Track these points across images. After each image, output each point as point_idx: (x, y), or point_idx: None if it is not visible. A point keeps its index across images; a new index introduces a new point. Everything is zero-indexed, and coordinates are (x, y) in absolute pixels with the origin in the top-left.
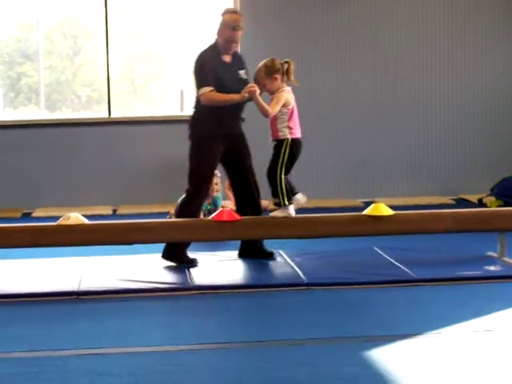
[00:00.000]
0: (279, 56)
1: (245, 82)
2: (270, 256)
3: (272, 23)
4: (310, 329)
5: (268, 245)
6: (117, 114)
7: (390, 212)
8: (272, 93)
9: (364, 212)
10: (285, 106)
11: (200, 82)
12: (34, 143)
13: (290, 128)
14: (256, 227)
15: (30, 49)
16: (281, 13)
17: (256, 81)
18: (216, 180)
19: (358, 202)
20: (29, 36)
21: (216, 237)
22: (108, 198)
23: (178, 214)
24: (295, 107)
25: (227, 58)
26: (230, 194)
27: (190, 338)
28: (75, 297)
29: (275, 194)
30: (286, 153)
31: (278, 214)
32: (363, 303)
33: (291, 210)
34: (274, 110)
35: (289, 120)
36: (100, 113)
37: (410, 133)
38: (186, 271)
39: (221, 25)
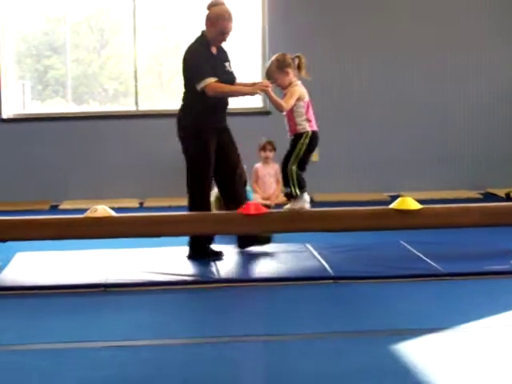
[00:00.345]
0: (303, 51)
1: (230, 74)
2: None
3: (297, 18)
4: (336, 322)
5: (295, 238)
6: (143, 107)
7: (417, 206)
8: (284, 87)
9: (391, 206)
10: (300, 99)
11: (200, 74)
12: (61, 136)
13: (309, 121)
14: (283, 220)
15: (57, 42)
16: (305, 8)
17: (267, 75)
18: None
19: (385, 195)
20: (56, 29)
21: (243, 230)
22: (135, 191)
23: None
24: (310, 102)
25: (214, 51)
26: (257, 188)
27: (216, 330)
28: (103, 289)
29: (287, 183)
30: (305, 145)
31: (291, 206)
32: (390, 297)
33: (305, 199)
34: (288, 104)
35: (306, 113)
36: (127, 106)
37: (437, 126)
38: (213, 264)
39: (212, 17)
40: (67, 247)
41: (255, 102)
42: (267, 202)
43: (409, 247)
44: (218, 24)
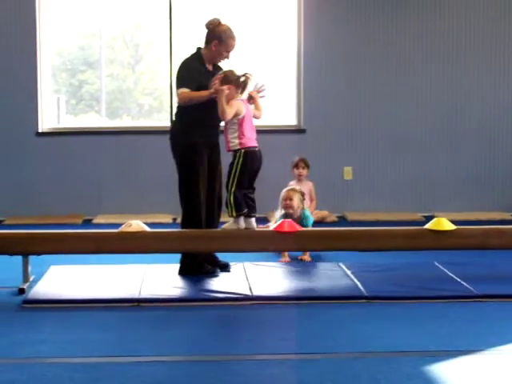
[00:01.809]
0: (337, 54)
1: None
2: (226, 267)
3: (331, 18)
4: (369, 341)
5: (327, 257)
6: None
7: (452, 227)
8: (230, 98)
9: (425, 226)
10: (235, 115)
11: (180, 84)
12: (94, 150)
13: (240, 138)
14: (317, 239)
15: (93, 57)
16: (341, 13)
17: (210, 86)
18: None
19: (419, 216)
20: (91, 44)
21: (277, 247)
22: (168, 207)
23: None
24: (248, 117)
25: (210, 67)
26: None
27: (248, 348)
28: (136, 304)
29: (226, 204)
30: (239, 165)
31: (228, 226)
32: (423, 318)
33: (240, 223)
34: (228, 112)
35: (239, 130)
36: (160, 121)
37: (473, 147)
38: (246, 281)
39: (221, 36)
40: (101, 261)
41: (289, 119)
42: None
43: (442, 268)
44: (227, 43)
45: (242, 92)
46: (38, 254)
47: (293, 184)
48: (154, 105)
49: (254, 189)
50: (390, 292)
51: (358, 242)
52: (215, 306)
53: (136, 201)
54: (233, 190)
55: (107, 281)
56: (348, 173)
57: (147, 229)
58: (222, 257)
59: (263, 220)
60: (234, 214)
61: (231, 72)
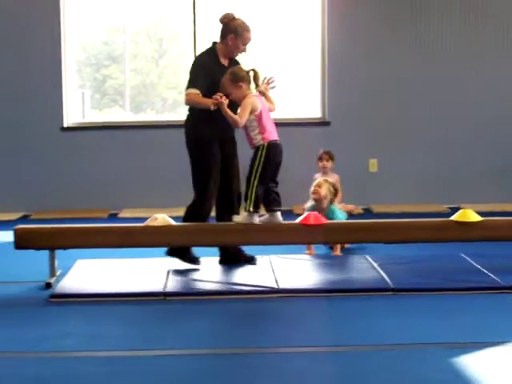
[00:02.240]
0: (362, 50)
1: None
2: (251, 261)
3: (356, 16)
4: (396, 334)
5: (353, 249)
6: None
7: (478, 218)
8: (239, 101)
9: (451, 218)
10: (252, 112)
11: (190, 83)
12: (119, 145)
13: (262, 133)
14: (343, 231)
15: (117, 51)
16: (365, 4)
17: (222, 89)
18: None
19: (445, 207)
20: (115, 39)
21: (303, 240)
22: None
23: (185, 221)
24: (265, 111)
25: (225, 62)
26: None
27: (274, 341)
28: (162, 297)
29: (245, 197)
30: (263, 157)
31: (240, 219)
32: (450, 309)
33: (255, 219)
34: (242, 119)
35: (259, 125)
36: (184, 115)
37: (498, 138)
38: (272, 274)
39: (237, 29)
40: (127, 255)
41: (314, 112)
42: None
43: (469, 259)
44: (243, 36)
45: (257, 85)
46: (65, 248)
47: (318, 177)
48: (178, 99)
49: (277, 183)
50: (416, 284)
51: (384, 234)
52: (241, 299)
53: (161, 195)
54: (255, 183)
55: (133, 275)
56: (373, 165)
57: (173, 222)
58: (247, 250)
59: (288, 213)
60: (251, 208)
61: (239, 68)
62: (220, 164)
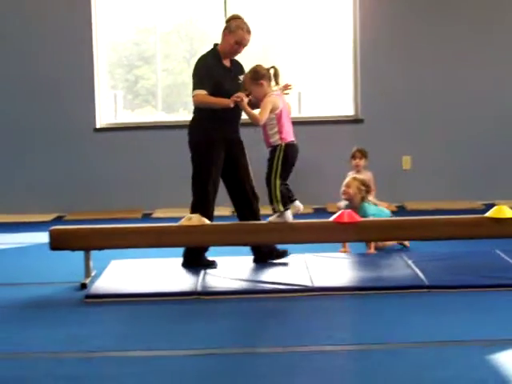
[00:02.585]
0: (395, 47)
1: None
2: (212, 264)
3: (388, 12)
4: (432, 331)
5: (387, 247)
6: None
7: None
8: (260, 99)
9: (486, 214)
10: (272, 110)
11: (195, 84)
12: (151, 145)
13: (281, 133)
14: (377, 229)
15: (148, 52)
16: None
17: (243, 87)
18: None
19: (479, 204)
20: (146, 39)
21: (337, 238)
22: (226, 199)
23: None
24: (285, 110)
25: (228, 63)
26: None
27: (309, 339)
28: (196, 297)
29: (271, 200)
30: (280, 158)
31: (274, 219)
32: (486, 306)
33: (288, 216)
34: (262, 117)
35: (278, 124)
36: None
37: None
38: (307, 272)
39: (232, 28)
40: (161, 255)
41: (346, 110)
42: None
43: (504, 256)
44: (236, 33)
45: (277, 83)
46: (100, 249)
47: (351, 174)
48: None
49: (286, 179)
50: (451, 281)
51: (418, 232)
52: (275, 297)
53: None
54: (277, 183)
55: (167, 274)
56: (407, 162)
57: (207, 222)
58: (281, 248)
59: (321, 211)
60: (281, 208)
61: (259, 66)
62: (222, 165)
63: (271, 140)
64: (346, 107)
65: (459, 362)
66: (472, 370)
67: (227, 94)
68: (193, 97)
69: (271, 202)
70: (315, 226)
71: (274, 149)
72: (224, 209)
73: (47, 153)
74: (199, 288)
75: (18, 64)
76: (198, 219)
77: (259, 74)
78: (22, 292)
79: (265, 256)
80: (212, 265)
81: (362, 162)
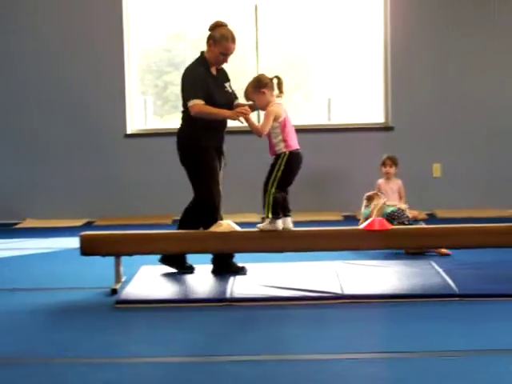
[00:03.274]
0: (424, 53)
1: (230, 95)
2: (241, 270)
3: (420, 19)
4: (463, 340)
5: (418, 255)
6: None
7: None
8: (262, 108)
9: None
10: (275, 119)
11: (190, 94)
12: None
13: (285, 141)
14: (408, 236)
15: (177, 58)
16: (428, 8)
17: (245, 97)
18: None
19: (509, 212)
20: (176, 45)
21: (368, 246)
22: (257, 206)
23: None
24: (288, 119)
25: (214, 71)
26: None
27: (338, 347)
28: (226, 303)
29: (263, 205)
30: (282, 166)
31: (264, 226)
32: None
33: (278, 225)
34: (264, 127)
35: (283, 133)
36: (244, 122)
37: None
38: (337, 280)
39: (216, 38)
40: (191, 261)
41: (377, 117)
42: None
43: None
44: (220, 44)
45: (280, 92)
46: (130, 254)
47: (381, 182)
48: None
49: (286, 191)
50: (482, 289)
51: (449, 240)
52: (305, 305)
53: (224, 200)
54: (272, 190)
55: (198, 280)
56: (437, 170)
57: (237, 228)
58: (311, 256)
59: (351, 219)
60: (270, 215)
61: (263, 75)
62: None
63: (276, 148)
64: (376, 114)
65: (490, 371)
66: (502, 380)
67: (217, 103)
68: (190, 107)
69: (262, 207)
70: (346, 234)
71: (277, 156)
72: (253, 215)
73: (78, 159)
74: (230, 294)
75: (50, 70)
76: (227, 226)
77: (262, 83)
78: (53, 297)
79: (222, 268)
80: (242, 271)
81: (392, 170)
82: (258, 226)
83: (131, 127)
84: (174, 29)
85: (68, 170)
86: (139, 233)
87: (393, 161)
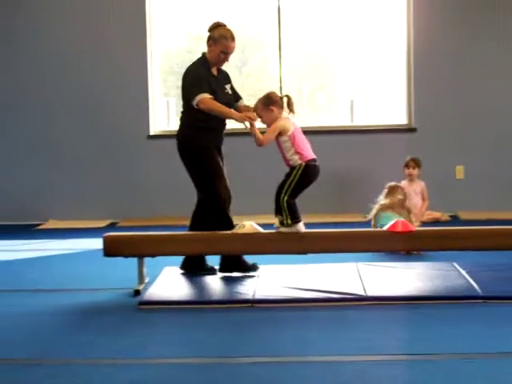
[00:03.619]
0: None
1: (230, 96)
2: (254, 269)
3: (444, 20)
4: (486, 342)
5: (441, 256)
6: None
7: None
8: (268, 125)
9: None
10: (283, 133)
11: (195, 90)
12: None
13: (299, 153)
14: (431, 238)
15: None
16: (451, 9)
17: (254, 111)
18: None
19: None
20: (198, 47)
21: (391, 247)
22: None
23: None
24: (297, 131)
25: (215, 72)
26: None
27: (361, 348)
28: (250, 305)
29: (278, 212)
30: (297, 176)
31: (285, 230)
32: None
33: (300, 227)
34: (265, 139)
35: (294, 146)
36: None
37: None
38: (360, 281)
39: (215, 38)
40: (214, 262)
41: (400, 118)
42: (412, 220)
43: None
44: (220, 43)
45: (291, 111)
46: (153, 256)
47: (404, 184)
48: None
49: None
50: (506, 292)
51: (472, 242)
52: (328, 306)
53: (244, 202)
54: (285, 199)
55: (220, 281)
56: (460, 172)
57: (260, 230)
58: (334, 257)
59: None
60: (289, 221)
61: (273, 93)
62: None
63: (291, 162)
64: (399, 116)
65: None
66: None
67: (219, 103)
68: (198, 101)
69: (277, 214)
70: (369, 235)
71: (293, 167)
72: (273, 216)
73: (102, 160)
74: (253, 296)
75: (74, 72)
76: (250, 227)
77: (271, 100)
78: (75, 298)
79: (231, 267)
80: (212, 271)
81: (415, 172)
82: (280, 229)
83: (154, 128)
84: (197, 30)
85: (91, 171)
86: (162, 234)
87: (416, 162)
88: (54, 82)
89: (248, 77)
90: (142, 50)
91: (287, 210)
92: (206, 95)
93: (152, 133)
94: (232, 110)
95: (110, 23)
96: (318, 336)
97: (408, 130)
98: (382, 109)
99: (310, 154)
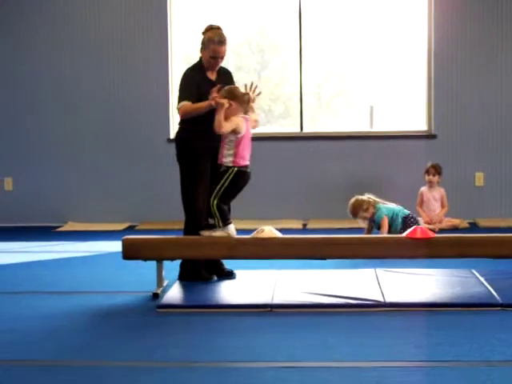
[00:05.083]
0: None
1: None
2: (231, 275)
3: (465, 27)
4: (506, 350)
5: (459, 264)
6: (305, 128)
7: None
8: (226, 116)
9: None
10: (235, 132)
11: (180, 97)
12: None
13: (235, 156)
14: (450, 245)
15: None
16: (473, 15)
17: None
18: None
19: None
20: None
21: (410, 254)
22: (298, 212)
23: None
24: (246, 137)
25: (212, 76)
26: (421, 211)
27: (379, 354)
28: (269, 309)
29: (210, 215)
30: (228, 180)
31: (218, 234)
32: None
33: (231, 230)
34: (224, 127)
35: (235, 148)
36: (286, 127)
37: None
38: (379, 287)
39: (205, 42)
40: (233, 267)
41: (420, 125)
42: (431, 226)
43: None
44: (208, 48)
45: (246, 110)
46: (172, 259)
47: (424, 190)
48: (280, 111)
49: (228, 203)
50: None
51: (491, 249)
52: (347, 312)
53: (266, 206)
54: (215, 202)
55: (239, 286)
56: (479, 178)
57: (279, 235)
58: (352, 264)
59: None
60: (221, 224)
61: (236, 88)
62: (208, 178)
63: (224, 160)
64: (419, 122)
65: None
66: None
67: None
68: (178, 109)
69: (211, 217)
70: (388, 242)
71: (225, 170)
72: (294, 221)
73: (121, 163)
74: (271, 300)
75: (95, 75)
76: (269, 232)
77: (232, 95)
78: (94, 300)
79: (212, 271)
80: (210, 279)
81: (435, 179)
82: (213, 234)
83: (174, 132)
84: None
85: (111, 173)
86: (181, 237)
87: (436, 169)
88: (75, 84)
89: (268, 81)
90: (163, 54)
91: (217, 212)
92: (187, 103)
93: (172, 136)
94: (200, 103)
95: (131, 28)
96: (337, 342)
97: (428, 136)
98: (402, 115)
99: (244, 161)
